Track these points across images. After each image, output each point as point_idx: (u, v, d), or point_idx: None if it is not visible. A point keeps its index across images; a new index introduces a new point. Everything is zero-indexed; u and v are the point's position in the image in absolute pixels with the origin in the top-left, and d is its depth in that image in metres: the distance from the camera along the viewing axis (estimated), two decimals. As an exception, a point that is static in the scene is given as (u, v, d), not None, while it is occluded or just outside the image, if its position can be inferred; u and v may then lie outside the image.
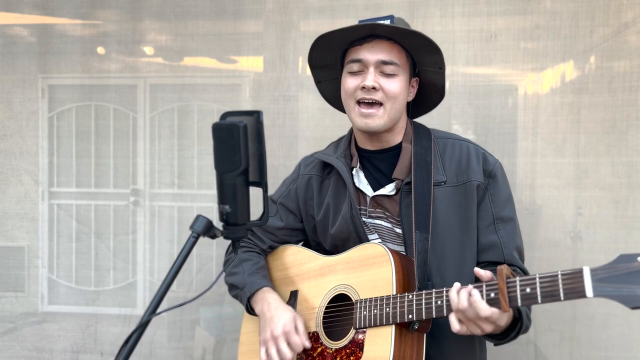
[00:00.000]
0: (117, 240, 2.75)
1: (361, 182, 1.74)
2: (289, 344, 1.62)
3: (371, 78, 1.62)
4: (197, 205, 2.69)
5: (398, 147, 1.73)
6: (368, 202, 1.72)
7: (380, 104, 1.64)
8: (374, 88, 1.62)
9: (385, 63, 1.62)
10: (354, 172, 1.75)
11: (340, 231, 1.74)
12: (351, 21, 2.45)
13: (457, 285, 1.42)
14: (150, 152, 2.70)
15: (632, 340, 2.29)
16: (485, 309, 1.35)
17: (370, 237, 1.72)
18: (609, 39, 2.29)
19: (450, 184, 1.67)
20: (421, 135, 1.74)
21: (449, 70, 2.42)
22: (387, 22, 1.61)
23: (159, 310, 1.16)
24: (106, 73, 2.73)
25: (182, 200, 2.71)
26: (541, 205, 2.37)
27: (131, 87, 2.73)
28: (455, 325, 1.41)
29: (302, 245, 1.93)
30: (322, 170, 1.84)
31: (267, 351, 1.64)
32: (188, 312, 2.66)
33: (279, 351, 1.62)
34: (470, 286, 1.41)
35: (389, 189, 1.70)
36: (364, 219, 1.72)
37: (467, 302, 1.37)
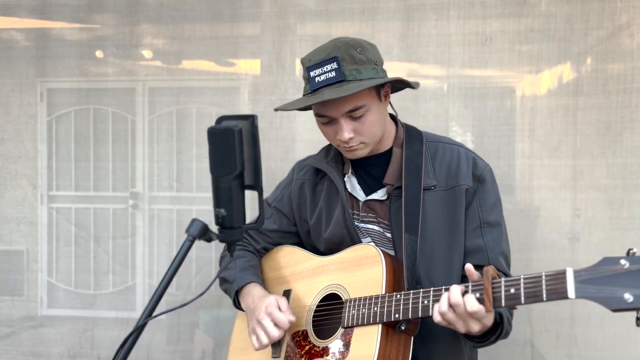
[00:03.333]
0: (116, 243, 2.75)
1: (354, 187, 1.76)
2: (274, 323, 1.63)
3: (345, 132, 1.60)
4: (195, 208, 2.70)
5: (389, 152, 1.74)
6: (360, 206, 1.74)
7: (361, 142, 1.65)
8: (350, 138, 1.62)
9: (352, 111, 1.59)
10: (346, 178, 1.77)
11: (334, 235, 1.76)
12: (347, 24, 2.47)
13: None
14: (149, 155, 2.71)
15: (629, 341, 2.30)
16: (473, 304, 1.36)
17: (363, 241, 1.73)
18: (604, 41, 2.30)
19: (440, 188, 1.67)
20: (413, 138, 1.75)
21: (445, 72, 2.45)
22: (334, 65, 1.56)
23: (155, 313, 1.17)
24: (104, 77, 2.74)
25: (180, 204, 2.72)
26: (538, 206, 2.38)
27: (129, 90, 2.74)
28: (437, 315, 1.43)
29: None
30: (315, 175, 1.85)
31: (257, 337, 1.65)
32: (186, 315, 2.66)
33: (266, 332, 1.63)
34: (456, 286, 1.42)
35: (380, 194, 1.71)
36: (357, 223, 1.74)
37: (460, 298, 1.38)
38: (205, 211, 2.64)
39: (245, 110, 2.62)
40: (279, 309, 1.65)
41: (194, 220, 1.19)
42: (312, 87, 1.60)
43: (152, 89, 2.73)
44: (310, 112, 2.43)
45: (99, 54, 2.72)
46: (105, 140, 2.74)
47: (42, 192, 2.79)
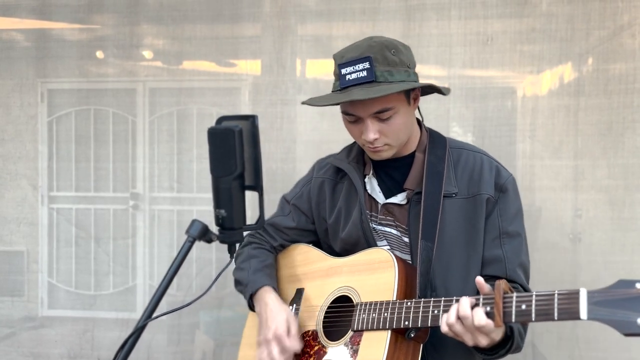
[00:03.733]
0: (116, 244, 2.75)
1: (374, 189, 1.74)
2: (282, 348, 1.63)
3: (370, 133, 1.59)
4: (196, 209, 2.70)
5: (411, 156, 1.72)
6: (379, 209, 1.72)
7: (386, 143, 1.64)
8: (376, 139, 1.60)
9: (379, 112, 1.58)
10: (366, 179, 1.75)
11: (350, 236, 1.74)
12: (348, 25, 2.47)
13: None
14: (150, 156, 2.71)
15: (630, 342, 2.28)
16: (480, 317, 1.34)
17: (379, 243, 1.72)
18: (605, 41, 2.30)
19: (460, 195, 1.65)
20: (436, 144, 1.72)
21: (446, 72, 2.44)
22: (367, 64, 1.54)
23: (155, 314, 1.17)
24: (105, 77, 2.74)
25: (181, 204, 2.71)
26: (540, 207, 2.38)
27: (130, 91, 2.74)
28: (444, 326, 1.41)
29: (313, 245, 1.93)
30: (336, 174, 1.83)
31: (264, 352, 1.65)
32: (187, 316, 2.66)
33: (271, 357, 1.63)
34: (466, 298, 1.40)
35: (400, 198, 1.70)
36: (374, 226, 1.72)
37: (469, 311, 1.36)
38: (206, 212, 2.63)
39: (246, 111, 2.62)
40: (288, 332, 1.64)
41: (194, 221, 1.18)
42: (342, 85, 1.58)
43: (152, 89, 2.73)
44: (311, 114, 2.43)
45: (99, 54, 2.72)
46: (106, 141, 2.74)
47: (42, 192, 2.79)
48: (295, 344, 1.63)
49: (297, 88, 2.53)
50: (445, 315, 1.42)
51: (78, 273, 2.77)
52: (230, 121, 1.13)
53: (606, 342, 2.31)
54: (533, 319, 1.29)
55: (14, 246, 2.80)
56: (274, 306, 1.70)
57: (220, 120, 1.15)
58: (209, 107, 2.67)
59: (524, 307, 1.30)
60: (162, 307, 1.20)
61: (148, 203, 2.73)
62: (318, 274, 1.78)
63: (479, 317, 1.34)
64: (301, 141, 2.54)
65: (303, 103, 1.72)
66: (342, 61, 1.59)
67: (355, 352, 1.57)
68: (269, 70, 2.57)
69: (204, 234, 1.17)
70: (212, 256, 2.64)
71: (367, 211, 1.72)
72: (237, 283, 1.86)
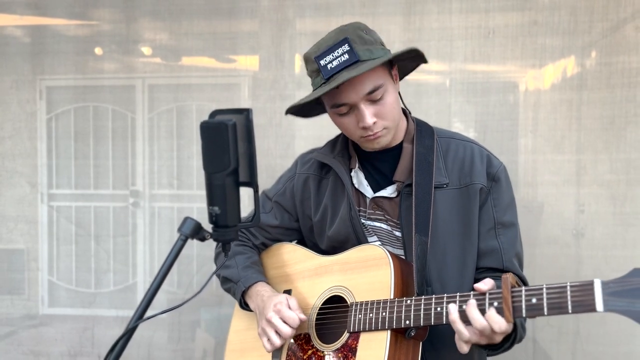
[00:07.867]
0: (116, 241, 2.74)
1: (361, 183, 1.69)
2: (284, 321, 1.56)
3: (367, 117, 1.52)
4: (196, 206, 2.68)
5: (399, 148, 1.67)
6: (367, 203, 1.67)
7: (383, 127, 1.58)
8: (374, 123, 1.54)
9: (371, 92, 1.51)
10: (352, 173, 1.70)
11: (339, 233, 1.69)
12: (347, 18, 2.42)
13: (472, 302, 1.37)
14: (149, 152, 2.69)
15: (630, 335, 2.28)
16: (500, 323, 1.29)
17: (369, 239, 1.67)
18: (608, 34, 2.27)
19: (452, 186, 1.60)
20: (424, 134, 1.67)
21: (447, 67, 2.42)
22: (346, 47, 1.48)
23: (154, 313, 1.15)
24: (103, 74, 2.72)
25: (181, 201, 2.70)
26: (542, 202, 2.36)
27: (129, 87, 2.72)
28: (464, 346, 1.36)
29: (298, 243, 1.88)
30: (320, 170, 1.78)
31: (267, 337, 1.59)
32: (187, 313, 2.64)
33: (277, 330, 1.56)
34: (473, 299, 1.35)
35: (389, 191, 1.64)
36: (363, 221, 1.67)
37: (485, 321, 1.31)
38: (206, 209, 2.62)
39: (245, 107, 2.60)
40: (288, 307, 1.58)
41: (186, 219, 1.15)
42: (326, 75, 1.51)
43: (151, 86, 2.71)
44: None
45: (98, 50, 2.70)
46: (105, 137, 2.73)
47: (41, 190, 2.78)
48: (297, 314, 1.56)
49: (296, 83, 2.51)
50: (456, 337, 1.36)
51: (78, 271, 2.76)
52: (224, 115, 1.10)
53: (607, 335, 2.30)
54: (545, 313, 1.23)
55: (13, 244, 2.79)
56: (271, 294, 1.65)
57: (214, 114, 1.12)
58: (208, 103, 2.65)
59: (534, 300, 1.25)
60: (162, 304, 1.18)
61: (148, 200, 2.72)
62: (306, 273, 1.72)
63: (499, 323, 1.29)
64: (300, 137, 2.52)
65: (287, 112, 1.63)
66: (319, 53, 1.52)
67: (352, 355, 1.51)
68: (268, 65, 2.55)
69: (197, 232, 1.14)
70: (212, 253, 2.62)
71: (356, 207, 1.66)
72: (225, 281, 1.79)
